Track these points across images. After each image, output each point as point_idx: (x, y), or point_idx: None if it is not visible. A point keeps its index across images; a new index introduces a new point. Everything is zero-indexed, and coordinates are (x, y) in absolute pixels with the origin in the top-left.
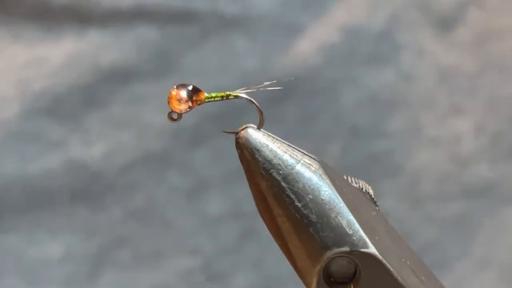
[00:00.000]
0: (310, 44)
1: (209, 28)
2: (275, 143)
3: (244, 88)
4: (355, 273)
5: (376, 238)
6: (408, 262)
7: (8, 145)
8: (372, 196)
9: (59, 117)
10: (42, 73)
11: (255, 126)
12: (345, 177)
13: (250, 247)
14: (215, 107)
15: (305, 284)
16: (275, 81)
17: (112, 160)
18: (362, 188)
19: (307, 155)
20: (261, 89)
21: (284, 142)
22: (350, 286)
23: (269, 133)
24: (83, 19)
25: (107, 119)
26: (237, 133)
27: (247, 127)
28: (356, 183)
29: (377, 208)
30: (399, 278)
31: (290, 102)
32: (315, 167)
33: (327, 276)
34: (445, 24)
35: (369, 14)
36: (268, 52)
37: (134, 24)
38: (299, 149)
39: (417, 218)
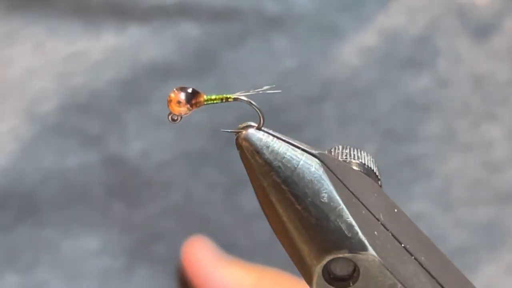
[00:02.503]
0: (349, 46)
1: (250, 27)
2: (275, 143)
3: (244, 91)
4: (354, 271)
5: (376, 233)
6: (407, 246)
7: (46, 139)
8: (376, 173)
9: (97, 112)
10: (82, 68)
11: (256, 125)
12: (346, 154)
13: None
14: (252, 108)
15: (306, 280)
16: (274, 85)
17: (149, 156)
18: (365, 165)
19: (307, 151)
20: (260, 92)
21: (284, 140)
22: (349, 284)
23: (270, 131)
24: (123, 14)
25: (146, 115)
26: (237, 132)
27: (247, 126)
28: (358, 158)
29: (380, 185)
30: (396, 276)
31: (328, 103)
32: (315, 167)
33: (326, 273)
34: (482, 32)
35: (408, 19)
36: (307, 53)
37: (175, 20)
38: (300, 146)
39: (448, 222)
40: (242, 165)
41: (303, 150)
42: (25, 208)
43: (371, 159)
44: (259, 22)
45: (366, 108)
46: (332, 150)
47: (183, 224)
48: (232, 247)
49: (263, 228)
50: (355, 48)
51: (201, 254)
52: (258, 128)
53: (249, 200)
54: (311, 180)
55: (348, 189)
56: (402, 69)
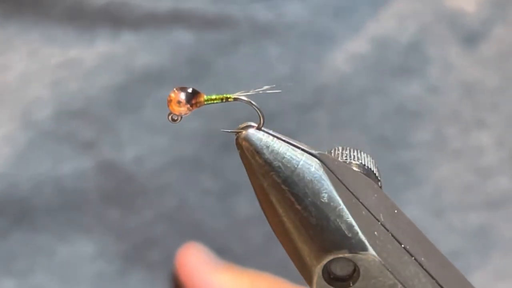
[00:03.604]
0: (341, 53)
1: (243, 35)
2: (275, 144)
3: (243, 91)
4: (354, 271)
5: (376, 233)
6: (407, 247)
7: (40, 145)
8: (376, 174)
9: (91, 118)
10: (76, 75)
11: (256, 125)
12: (346, 155)
13: (277, 249)
14: (247, 112)
15: (306, 280)
16: (274, 85)
17: (143, 162)
18: (365, 165)
19: (307, 152)
20: (260, 92)
21: (284, 140)
22: (350, 284)
23: (270, 131)
24: (117, 21)
25: (140, 122)
26: (237, 132)
27: (247, 126)
28: (358, 159)
29: (380, 186)
30: (396, 276)
31: (320, 110)
32: (315, 167)
33: (327, 273)
34: (472, 39)
35: (399, 26)
36: (300, 60)
37: (168, 28)
38: (300, 146)
39: (439, 228)
40: (236, 171)
41: (303, 150)
42: (20, 214)
43: (371, 160)
44: (251, 30)
45: (358, 115)
46: (332, 151)
47: (177, 229)
48: (226, 252)
49: (257, 233)
50: (347, 55)
51: (195, 260)
52: (258, 128)
53: (243, 205)
54: (311, 180)
55: (348, 190)
56: (393, 76)
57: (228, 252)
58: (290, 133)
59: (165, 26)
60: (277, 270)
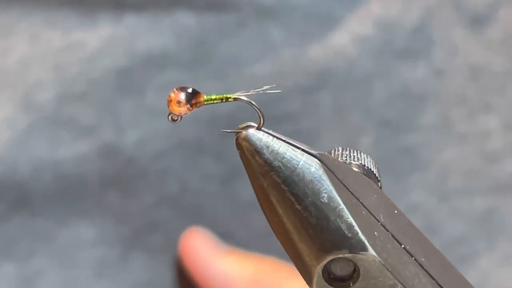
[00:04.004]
0: (345, 35)
1: (246, 17)
2: (275, 144)
3: (243, 91)
4: (354, 271)
5: (376, 233)
6: (407, 247)
7: (41, 129)
8: (376, 174)
9: (93, 102)
10: (78, 58)
11: (256, 125)
12: (346, 155)
13: None
14: (251, 98)
15: (305, 280)
16: (274, 85)
17: (145, 146)
18: (365, 166)
19: (307, 152)
20: (260, 92)
21: (284, 140)
22: (350, 284)
23: (270, 132)
24: (119, 4)
25: (141, 105)
26: (237, 133)
27: (247, 126)
28: (358, 159)
29: (380, 186)
30: (396, 277)
31: (324, 93)
32: (315, 167)
33: (327, 273)
34: (477, 22)
35: (404, 8)
36: (303, 42)
37: (171, 10)
38: (300, 146)
39: (444, 212)
40: (238, 154)
41: (303, 150)
42: (20, 198)
43: (371, 160)
44: (254, 12)
45: (362, 98)
46: (332, 151)
47: (179, 214)
48: (229, 236)
49: (260, 217)
50: (351, 37)
51: (198, 244)
52: (258, 128)
53: (246, 190)
54: (311, 180)
55: (348, 190)
56: (398, 59)
57: (231, 236)
58: (293, 117)
59: (167, 9)
60: (281, 255)
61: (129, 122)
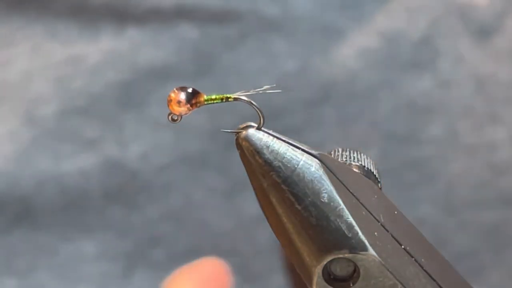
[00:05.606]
0: (349, 48)
1: (249, 29)
2: (275, 144)
3: (244, 91)
4: (354, 271)
5: (376, 234)
6: (407, 248)
7: (44, 143)
8: (376, 175)
9: (95, 115)
10: (79, 71)
11: (256, 125)
12: (346, 156)
13: None
14: (252, 110)
15: (305, 280)
16: (274, 84)
17: (148, 160)
18: (365, 167)
19: (307, 152)
20: (260, 92)
21: (284, 140)
22: (350, 284)
23: (269, 132)
24: (121, 17)
25: (144, 118)
26: (237, 133)
27: (247, 126)
28: (358, 160)
29: (380, 187)
30: (396, 277)
31: (328, 106)
32: (315, 167)
33: (327, 273)
34: (483, 32)
35: (409, 20)
36: (307, 54)
37: (173, 23)
38: (300, 146)
39: (452, 225)
40: (242, 168)
41: (303, 150)
42: (22, 212)
43: (371, 161)
44: (257, 24)
45: (367, 111)
46: (332, 152)
47: (182, 228)
48: (232, 251)
49: (263, 232)
50: (356, 49)
51: None
52: (258, 128)
53: (249, 204)
54: (311, 180)
55: (348, 190)
56: (403, 70)
57: (234, 251)
58: (297, 129)
59: (169, 21)
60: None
61: (132, 136)
